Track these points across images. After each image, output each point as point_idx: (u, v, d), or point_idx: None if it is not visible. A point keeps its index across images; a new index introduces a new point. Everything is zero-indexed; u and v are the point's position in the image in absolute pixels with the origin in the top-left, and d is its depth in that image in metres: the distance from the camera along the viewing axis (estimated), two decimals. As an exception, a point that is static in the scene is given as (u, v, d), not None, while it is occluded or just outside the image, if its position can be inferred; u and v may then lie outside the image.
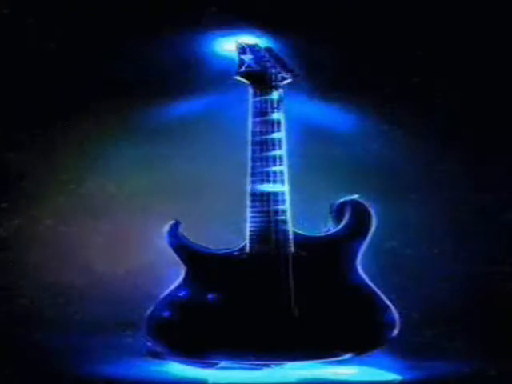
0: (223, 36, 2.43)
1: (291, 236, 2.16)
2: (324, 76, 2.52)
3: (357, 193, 2.20)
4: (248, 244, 2.16)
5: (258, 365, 2.12)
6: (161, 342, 2.14)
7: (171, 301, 2.15)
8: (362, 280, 2.15)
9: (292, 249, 2.16)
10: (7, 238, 2.55)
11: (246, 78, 2.21)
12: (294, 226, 2.17)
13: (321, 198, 2.32)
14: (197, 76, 2.50)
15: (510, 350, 2.26)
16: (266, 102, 2.19)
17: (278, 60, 2.22)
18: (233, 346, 2.13)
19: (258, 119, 2.18)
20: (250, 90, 2.20)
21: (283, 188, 2.17)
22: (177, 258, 2.17)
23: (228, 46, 2.34)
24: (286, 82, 2.21)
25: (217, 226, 2.45)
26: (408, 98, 2.54)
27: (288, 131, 2.19)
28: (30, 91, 2.52)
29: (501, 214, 2.55)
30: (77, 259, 2.55)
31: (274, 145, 2.17)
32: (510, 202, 2.54)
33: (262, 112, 2.18)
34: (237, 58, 2.23)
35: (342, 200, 2.20)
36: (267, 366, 2.13)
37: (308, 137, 2.46)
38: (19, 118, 2.53)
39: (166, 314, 2.14)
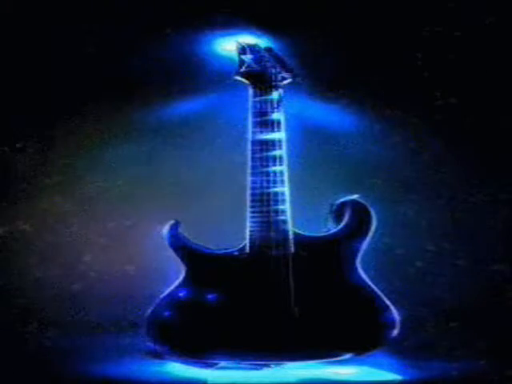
0: (223, 36, 2.43)
1: (291, 236, 2.16)
2: (324, 76, 2.52)
3: (357, 193, 2.20)
4: (248, 244, 2.16)
5: (258, 365, 2.12)
6: (161, 341, 2.14)
7: (171, 301, 2.15)
8: (362, 280, 2.15)
9: (292, 249, 2.16)
10: (7, 237, 2.55)
11: (246, 78, 2.21)
12: (293, 226, 2.17)
13: (321, 198, 2.32)
14: (197, 76, 2.51)
15: (510, 349, 2.26)
16: (265, 102, 2.19)
17: (278, 60, 2.22)
18: (233, 346, 2.13)
19: (257, 119, 2.18)
20: (250, 90, 2.20)
21: (283, 188, 2.17)
22: (177, 258, 2.17)
23: (228, 45, 2.34)
24: (285, 82, 2.21)
25: (217, 225, 2.45)
26: (408, 98, 2.54)
27: (288, 131, 2.19)
28: (29, 91, 2.52)
29: (501, 213, 2.55)
30: (77, 259, 2.55)
31: (274, 145, 2.17)
32: (509, 202, 2.54)
33: (261, 112, 2.18)
34: (237, 58, 2.23)
35: (341, 200, 2.20)
36: (267, 365, 2.13)
37: (308, 137, 2.46)
38: (19, 118, 2.53)
39: (166, 313, 2.14)
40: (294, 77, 2.22)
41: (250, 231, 2.16)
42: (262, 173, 2.16)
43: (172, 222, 2.19)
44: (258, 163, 2.17)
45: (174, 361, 2.15)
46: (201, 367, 2.13)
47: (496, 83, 2.52)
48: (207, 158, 2.52)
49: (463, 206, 2.55)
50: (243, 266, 2.16)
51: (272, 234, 2.15)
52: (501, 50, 2.51)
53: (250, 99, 2.20)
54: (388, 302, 2.14)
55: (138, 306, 2.21)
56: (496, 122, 2.53)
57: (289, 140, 2.19)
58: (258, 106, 2.19)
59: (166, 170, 2.55)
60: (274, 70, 2.20)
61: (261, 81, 2.20)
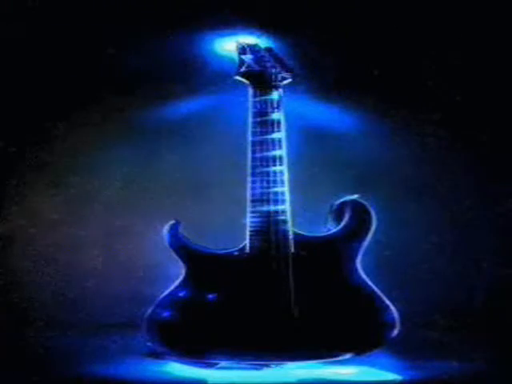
0: (223, 36, 2.43)
1: (291, 236, 2.16)
2: (324, 76, 2.52)
3: (357, 193, 2.20)
4: (248, 244, 2.16)
5: (258, 365, 2.12)
6: (161, 341, 2.14)
7: (171, 301, 2.15)
8: (362, 280, 2.15)
9: (292, 249, 2.16)
10: (7, 237, 2.55)
11: (246, 78, 2.21)
12: (293, 226, 2.17)
13: (321, 198, 2.32)
14: (197, 76, 2.51)
15: (510, 349, 2.26)
16: (265, 102, 2.19)
17: (278, 60, 2.22)
18: (233, 346, 2.13)
19: (257, 119, 2.18)
20: (250, 90, 2.20)
21: (283, 188, 2.17)
22: (177, 258, 2.17)
23: (228, 45, 2.34)
24: (285, 82, 2.21)
25: (217, 225, 2.45)
26: (408, 98, 2.54)
27: (288, 131, 2.19)
28: (29, 91, 2.52)
29: (500, 214, 2.55)
30: (77, 259, 2.55)
31: (274, 145, 2.17)
32: (508, 201, 2.55)
33: (261, 112, 2.18)
34: (237, 58, 2.23)
35: (341, 200, 2.20)
36: (267, 365, 2.13)
37: (308, 137, 2.46)
38: (18, 118, 2.53)
39: (166, 313, 2.14)
40: (293, 77, 2.22)
41: (250, 231, 2.16)
42: (262, 173, 2.16)
43: (172, 222, 2.19)
44: (258, 163, 2.16)
45: (174, 361, 2.15)
46: (201, 367, 2.13)
47: (500, 84, 2.52)
48: (207, 158, 2.53)
49: (463, 206, 2.55)
50: (243, 266, 2.16)
51: (272, 234, 2.15)
52: (503, 50, 2.52)
53: (250, 99, 2.20)
54: (388, 302, 2.14)
55: (138, 305, 2.21)
56: (497, 123, 2.54)
57: (289, 140, 2.19)
58: (258, 106, 2.19)
59: (165, 170, 2.55)
60: (274, 70, 2.20)
61: (261, 81, 2.20)
